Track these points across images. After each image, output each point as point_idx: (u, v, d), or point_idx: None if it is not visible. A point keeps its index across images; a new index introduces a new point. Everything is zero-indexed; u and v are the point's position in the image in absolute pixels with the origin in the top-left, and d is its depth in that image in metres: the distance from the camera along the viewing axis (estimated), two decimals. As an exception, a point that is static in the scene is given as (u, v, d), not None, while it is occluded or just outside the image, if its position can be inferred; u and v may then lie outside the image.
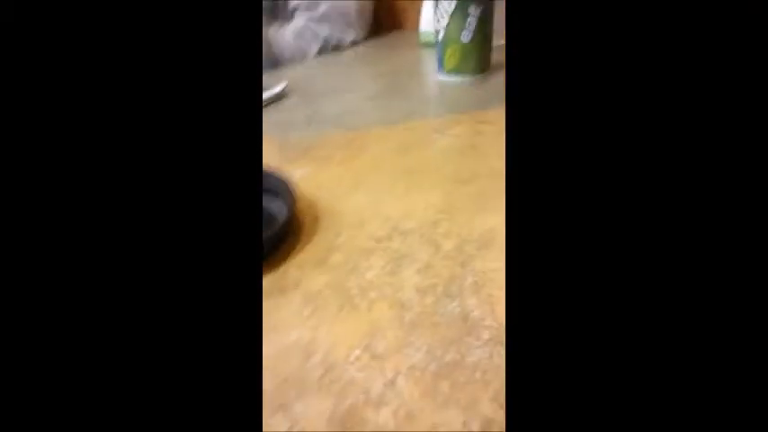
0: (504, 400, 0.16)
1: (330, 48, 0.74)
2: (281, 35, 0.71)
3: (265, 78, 0.62)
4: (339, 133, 0.40)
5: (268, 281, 0.23)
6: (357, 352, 0.18)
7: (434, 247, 0.24)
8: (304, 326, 0.20)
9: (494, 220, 0.26)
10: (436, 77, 0.53)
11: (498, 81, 0.50)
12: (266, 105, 0.49)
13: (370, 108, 0.46)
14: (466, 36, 0.48)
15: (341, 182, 0.32)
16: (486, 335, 0.18)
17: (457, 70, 0.51)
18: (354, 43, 0.77)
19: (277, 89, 0.51)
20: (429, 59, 0.62)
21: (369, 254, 0.24)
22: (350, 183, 0.32)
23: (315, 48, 0.72)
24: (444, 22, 0.48)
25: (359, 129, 0.41)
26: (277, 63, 0.71)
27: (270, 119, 0.46)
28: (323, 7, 0.72)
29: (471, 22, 0.47)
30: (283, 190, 0.28)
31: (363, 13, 0.78)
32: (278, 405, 0.16)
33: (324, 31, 0.72)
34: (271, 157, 0.37)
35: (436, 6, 0.49)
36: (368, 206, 0.29)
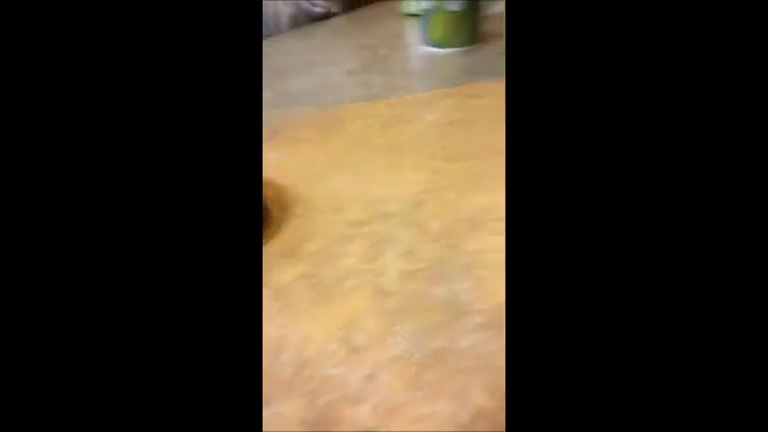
0: (495, 388, 0.15)
1: (303, 20, 0.72)
2: None
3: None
4: (314, 111, 0.40)
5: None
6: (333, 346, 0.18)
7: (420, 229, 0.24)
8: (272, 323, 0.19)
9: (484, 200, 0.25)
10: (422, 49, 0.53)
11: (489, 52, 0.50)
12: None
13: (349, 83, 0.45)
14: (454, 4, 0.47)
15: (315, 164, 0.31)
16: (477, 318, 0.18)
17: (444, 41, 0.50)
18: (331, 15, 0.76)
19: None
20: (414, 31, 0.61)
21: (346, 240, 0.24)
22: (325, 165, 0.31)
23: (285, 20, 0.71)
24: (429, -13, 0.48)
25: (336, 105, 0.40)
26: None
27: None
28: None
29: (458, -14, 0.47)
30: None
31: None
32: (243, 408, 0.16)
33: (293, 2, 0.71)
34: (237, 141, 0.36)
35: (419, -30, 0.48)
36: (345, 189, 0.28)
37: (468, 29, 0.50)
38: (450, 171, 0.28)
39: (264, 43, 0.67)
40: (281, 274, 0.22)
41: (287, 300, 0.21)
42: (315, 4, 0.73)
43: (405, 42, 0.58)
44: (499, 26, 0.57)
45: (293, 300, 0.21)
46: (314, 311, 0.20)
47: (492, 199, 0.25)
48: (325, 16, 0.75)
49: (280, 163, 0.32)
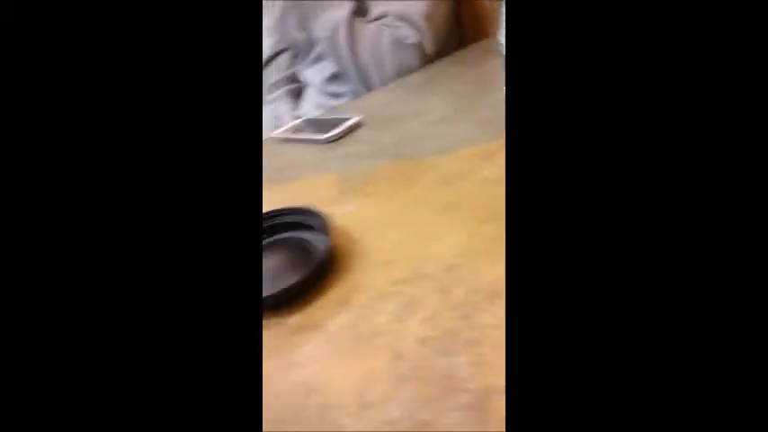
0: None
1: (414, 66, 0.77)
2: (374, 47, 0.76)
3: (343, 111, 0.70)
4: (393, 165, 0.44)
5: (296, 319, 0.27)
6: (350, 398, 0.21)
7: (445, 294, 0.25)
8: (313, 366, 0.23)
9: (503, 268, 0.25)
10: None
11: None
12: (339, 139, 0.56)
13: (430, 135, 0.48)
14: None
15: (380, 219, 0.35)
16: (464, 399, 0.19)
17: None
18: (439, 56, 0.79)
19: (350, 122, 0.57)
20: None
21: (385, 298, 0.27)
22: (389, 219, 0.34)
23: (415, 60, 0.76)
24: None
25: (413, 158, 0.43)
26: (369, 83, 0.78)
27: (337, 152, 0.52)
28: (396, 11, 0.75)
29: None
30: (321, 228, 0.33)
31: (446, 22, 0.80)
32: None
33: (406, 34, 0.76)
34: (325, 192, 0.42)
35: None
36: (398, 245, 0.31)
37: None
38: (487, 234, 0.29)
39: (365, 96, 0.74)
40: (331, 322, 0.26)
41: (331, 346, 0.24)
42: (397, 27, 0.76)
43: (494, 86, 0.58)
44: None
45: (335, 347, 0.24)
46: (346, 361, 0.23)
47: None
48: (427, 60, 0.78)
49: (352, 215, 0.37)
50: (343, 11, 0.74)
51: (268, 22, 1.03)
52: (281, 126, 0.73)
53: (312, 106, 0.94)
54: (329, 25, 0.74)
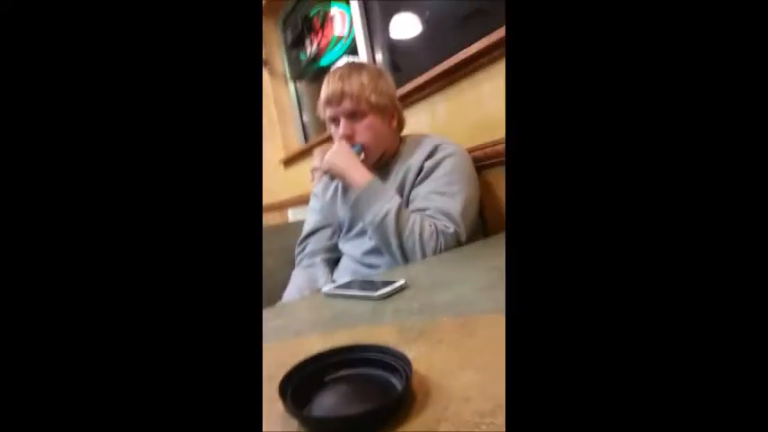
0: None
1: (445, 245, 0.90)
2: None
3: (389, 274, 0.79)
4: (451, 320, 0.49)
5: (383, 443, 0.29)
6: None
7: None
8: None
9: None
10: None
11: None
12: (389, 296, 0.62)
13: (482, 299, 0.55)
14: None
15: (451, 361, 0.38)
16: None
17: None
18: (468, 241, 0.93)
19: (398, 283, 0.65)
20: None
21: (474, 427, 0.28)
22: (460, 363, 0.38)
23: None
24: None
25: (469, 317, 0.49)
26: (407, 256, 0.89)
27: (389, 308, 0.58)
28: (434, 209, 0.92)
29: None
30: (401, 365, 0.36)
31: (476, 217, 0.97)
32: None
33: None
34: (390, 339, 0.46)
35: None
36: (475, 384, 0.34)
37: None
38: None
39: (404, 267, 0.84)
40: (420, 449, 0.27)
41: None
42: (438, 219, 0.90)
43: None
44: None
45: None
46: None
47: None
48: (458, 242, 0.92)
49: (422, 358, 0.40)
50: (394, 202, 0.91)
51: (316, 203, 1.23)
52: (317, 289, 0.80)
53: (348, 274, 1.04)
54: (382, 213, 0.90)
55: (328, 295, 0.70)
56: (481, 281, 0.62)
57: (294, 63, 2.86)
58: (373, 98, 1.00)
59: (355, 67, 1.04)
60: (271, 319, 0.62)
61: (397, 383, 0.34)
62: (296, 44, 2.75)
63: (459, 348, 0.41)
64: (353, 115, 1.01)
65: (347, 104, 1.00)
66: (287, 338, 0.54)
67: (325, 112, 1.05)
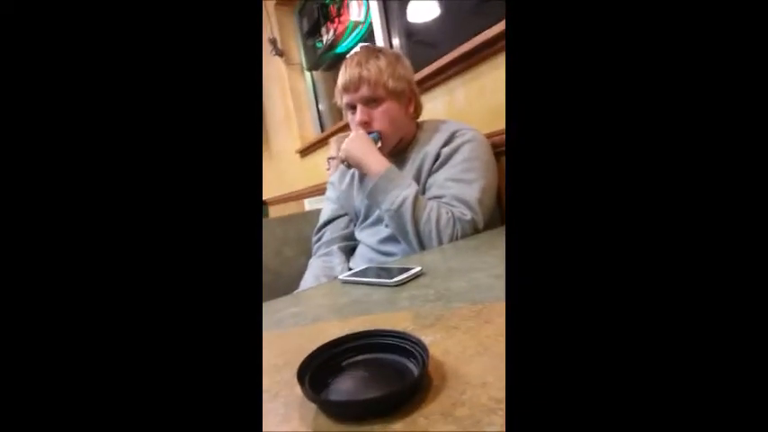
0: None
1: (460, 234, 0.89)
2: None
3: (405, 261, 0.79)
4: (467, 306, 0.49)
5: (400, 426, 0.29)
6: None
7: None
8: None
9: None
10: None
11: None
12: (405, 283, 0.62)
13: (499, 286, 0.54)
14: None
15: (467, 347, 0.38)
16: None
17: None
18: (485, 229, 0.92)
19: (414, 270, 0.65)
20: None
21: (490, 412, 0.28)
22: (477, 348, 0.38)
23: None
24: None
25: (486, 304, 0.49)
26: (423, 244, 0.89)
27: (405, 295, 0.58)
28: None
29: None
30: (417, 350, 0.36)
31: (493, 204, 0.96)
32: None
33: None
34: (406, 325, 0.46)
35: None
36: (492, 370, 0.34)
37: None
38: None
39: (420, 254, 0.84)
40: (438, 430, 0.28)
41: (440, 454, 0.26)
42: (454, 206, 0.90)
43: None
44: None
45: (445, 454, 0.25)
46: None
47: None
48: (475, 230, 0.91)
49: (440, 343, 0.40)
50: (411, 189, 0.90)
51: (333, 192, 1.24)
52: (333, 277, 0.80)
53: (364, 262, 1.04)
54: (399, 201, 0.90)
55: (345, 282, 0.70)
56: (498, 268, 0.62)
57: (310, 52, 2.85)
58: (391, 83, 0.99)
59: (372, 52, 1.02)
60: (289, 307, 0.63)
61: (414, 368, 0.34)
62: (312, 33, 2.73)
63: (476, 335, 0.41)
64: (370, 101, 1.00)
65: (364, 91, 0.99)
66: (305, 325, 0.54)
67: (342, 99, 1.04)
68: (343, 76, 1.01)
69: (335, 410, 0.31)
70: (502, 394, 0.30)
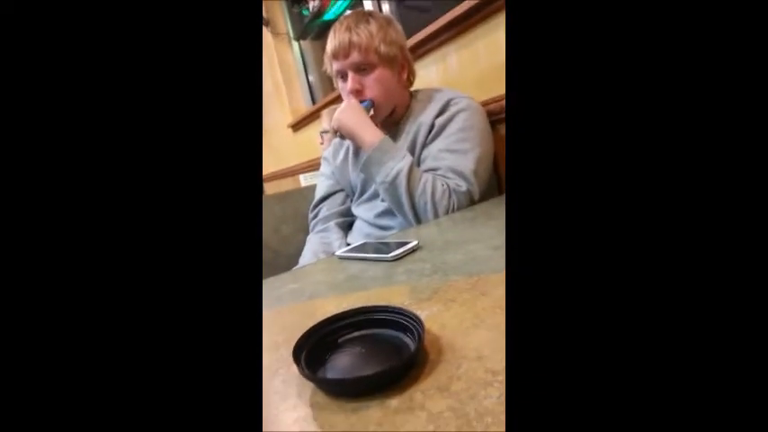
0: None
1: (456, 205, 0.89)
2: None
3: (402, 235, 0.79)
4: (464, 279, 0.49)
5: (397, 401, 0.29)
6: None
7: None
8: (426, 441, 0.25)
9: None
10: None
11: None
12: (401, 258, 0.62)
13: (495, 257, 0.54)
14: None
15: (463, 320, 0.38)
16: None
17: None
18: (481, 200, 0.91)
19: (411, 245, 0.65)
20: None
21: (487, 385, 0.29)
22: (473, 321, 0.38)
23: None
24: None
25: (482, 276, 0.48)
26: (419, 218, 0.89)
27: (401, 269, 0.58)
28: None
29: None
30: (414, 325, 0.36)
31: (489, 175, 0.94)
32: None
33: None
34: (402, 299, 0.46)
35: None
36: (488, 343, 0.34)
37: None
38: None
39: (416, 227, 0.83)
40: (434, 404, 0.28)
41: (438, 424, 0.26)
42: (449, 178, 0.89)
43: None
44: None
45: (443, 424, 0.26)
46: (458, 439, 0.24)
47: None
48: (471, 201, 0.90)
49: (436, 317, 0.40)
50: (406, 161, 0.89)
51: (327, 168, 1.22)
52: (331, 253, 0.80)
53: (361, 236, 1.04)
54: (393, 173, 0.88)
55: (342, 258, 0.70)
56: (494, 239, 0.61)
57: (297, 21, 2.74)
58: (382, 48, 0.95)
59: (362, 16, 0.98)
60: (287, 284, 0.63)
61: (410, 343, 0.34)
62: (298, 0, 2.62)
63: (472, 307, 0.41)
64: (362, 68, 0.97)
65: (355, 57, 0.95)
66: (302, 301, 0.55)
67: (332, 67, 1.00)
68: (332, 41, 0.97)
69: (332, 388, 0.31)
70: (498, 366, 0.30)
